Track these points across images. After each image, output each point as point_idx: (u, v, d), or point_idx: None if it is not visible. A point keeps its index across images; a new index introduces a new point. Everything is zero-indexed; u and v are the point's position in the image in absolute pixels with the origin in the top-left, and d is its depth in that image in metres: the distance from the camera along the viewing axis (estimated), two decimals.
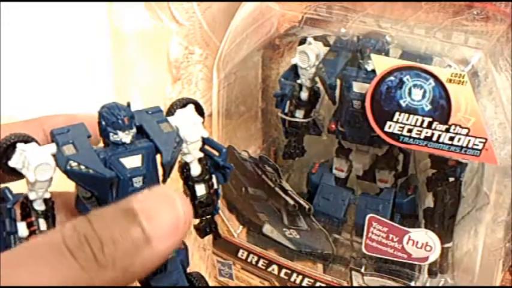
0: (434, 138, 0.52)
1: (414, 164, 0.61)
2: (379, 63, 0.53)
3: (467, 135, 0.52)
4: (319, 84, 0.59)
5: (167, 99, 0.78)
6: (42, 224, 0.37)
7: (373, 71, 0.53)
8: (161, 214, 0.32)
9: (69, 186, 0.38)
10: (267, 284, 0.64)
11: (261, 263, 0.63)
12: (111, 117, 0.36)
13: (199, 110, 0.40)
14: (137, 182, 0.36)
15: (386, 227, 0.57)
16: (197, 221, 0.42)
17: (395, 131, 0.53)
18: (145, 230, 0.31)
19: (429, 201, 0.59)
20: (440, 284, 0.60)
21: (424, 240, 0.56)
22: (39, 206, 0.37)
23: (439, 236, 0.56)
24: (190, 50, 0.75)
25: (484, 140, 0.51)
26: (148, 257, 0.31)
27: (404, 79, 0.52)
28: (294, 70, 0.59)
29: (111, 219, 0.32)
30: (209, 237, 0.46)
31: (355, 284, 0.60)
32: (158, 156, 0.37)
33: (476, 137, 0.51)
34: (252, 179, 0.63)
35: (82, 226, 0.31)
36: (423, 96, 0.52)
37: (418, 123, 0.52)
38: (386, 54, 0.55)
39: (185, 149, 0.39)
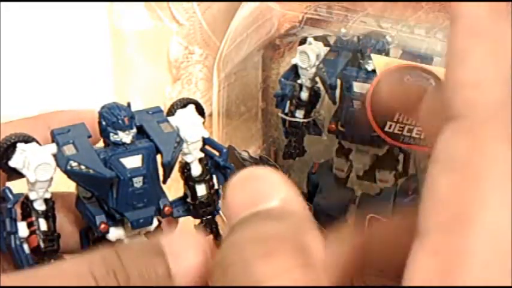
0: None
1: (414, 164, 0.61)
2: (379, 63, 0.53)
3: None
4: (320, 84, 0.59)
5: (167, 99, 0.78)
6: (43, 224, 0.37)
7: (374, 71, 0.53)
8: (188, 256, 0.32)
9: (69, 186, 0.38)
10: None
11: None
12: (112, 117, 0.36)
13: (200, 110, 0.40)
14: (137, 182, 0.36)
15: None
16: (198, 221, 0.42)
17: (396, 131, 0.53)
18: (171, 270, 0.32)
19: None
20: None
21: None
22: (40, 206, 0.37)
23: None
24: (190, 50, 0.75)
25: None
26: None
27: (405, 79, 0.52)
28: (294, 70, 0.59)
29: (139, 254, 0.32)
30: (209, 238, 0.46)
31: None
32: (159, 157, 0.37)
33: None
34: None
35: (111, 258, 0.32)
36: None
37: (419, 123, 0.52)
38: (387, 54, 0.55)
39: (186, 149, 0.39)
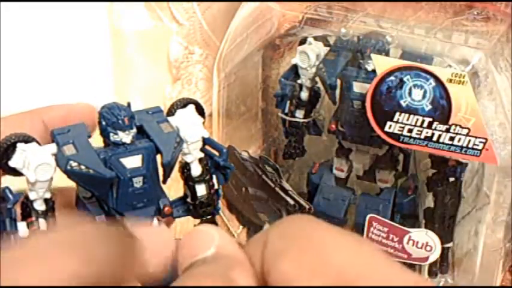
0: (435, 138, 0.52)
1: (414, 164, 0.61)
2: (379, 63, 0.53)
3: (467, 135, 0.52)
4: (320, 84, 0.59)
5: (167, 99, 0.78)
6: (43, 224, 0.37)
7: (374, 71, 0.53)
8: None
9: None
10: None
11: None
12: (112, 117, 0.36)
13: (200, 110, 0.40)
14: (137, 182, 0.36)
15: (387, 227, 0.57)
16: (198, 221, 0.42)
17: (396, 131, 0.53)
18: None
19: (429, 201, 0.59)
20: (441, 284, 0.60)
21: (424, 240, 0.56)
22: (40, 206, 0.37)
23: (439, 236, 0.56)
24: (190, 50, 0.75)
25: (484, 140, 0.51)
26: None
27: (405, 79, 0.52)
28: (294, 70, 0.59)
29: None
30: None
31: None
32: (158, 157, 0.37)
33: (476, 137, 0.51)
34: (252, 179, 0.63)
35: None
36: (423, 96, 0.52)
37: (419, 123, 0.52)
38: (387, 54, 0.55)
39: (185, 149, 0.39)
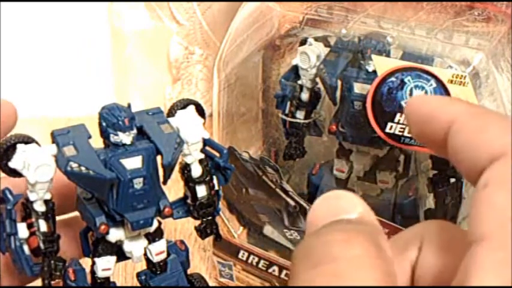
0: None
1: (415, 165, 0.61)
2: (380, 64, 0.53)
3: None
4: (320, 85, 0.59)
5: (167, 100, 0.78)
6: (43, 225, 0.37)
7: (374, 71, 0.53)
8: None
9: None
10: (267, 285, 0.64)
11: (261, 264, 0.63)
12: (112, 118, 0.36)
13: (200, 111, 0.40)
14: (137, 183, 0.36)
15: (387, 228, 0.57)
16: (198, 222, 0.42)
17: (397, 132, 0.53)
18: None
19: (430, 203, 0.59)
20: None
21: None
22: (40, 207, 0.37)
23: None
24: (190, 50, 0.75)
25: None
26: None
27: (406, 80, 0.52)
28: (295, 71, 0.59)
29: None
30: (210, 238, 0.46)
31: None
32: (159, 158, 0.37)
33: None
34: (253, 180, 0.63)
35: None
36: None
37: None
38: (388, 55, 0.55)
39: (186, 150, 0.39)
